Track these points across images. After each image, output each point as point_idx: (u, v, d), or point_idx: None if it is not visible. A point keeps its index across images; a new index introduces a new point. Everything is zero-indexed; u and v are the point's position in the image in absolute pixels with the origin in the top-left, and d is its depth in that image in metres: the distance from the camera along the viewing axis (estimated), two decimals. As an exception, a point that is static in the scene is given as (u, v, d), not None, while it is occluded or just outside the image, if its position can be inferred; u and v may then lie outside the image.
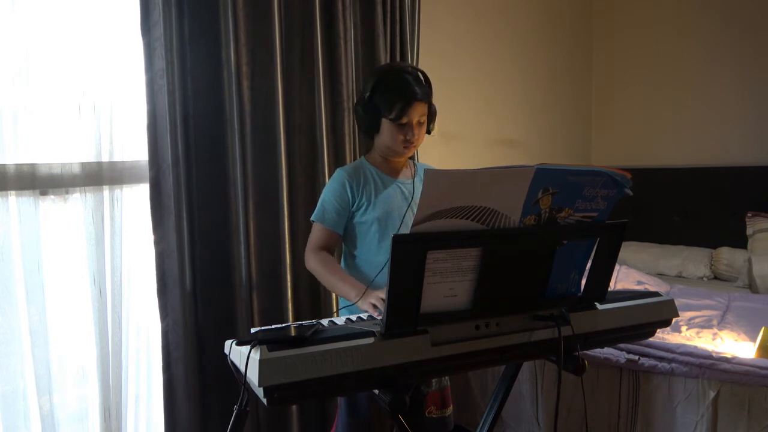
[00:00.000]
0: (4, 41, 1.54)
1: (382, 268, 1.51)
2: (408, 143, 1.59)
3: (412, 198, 1.66)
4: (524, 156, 3.50)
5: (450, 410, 1.75)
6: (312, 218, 1.66)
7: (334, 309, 2.08)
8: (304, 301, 2.10)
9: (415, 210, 1.61)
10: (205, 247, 1.88)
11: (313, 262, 1.62)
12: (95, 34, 1.68)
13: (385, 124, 1.59)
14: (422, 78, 1.63)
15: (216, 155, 1.90)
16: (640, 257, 3.47)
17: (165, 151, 1.76)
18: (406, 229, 1.62)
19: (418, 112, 1.57)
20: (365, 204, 1.62)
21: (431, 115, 1.65)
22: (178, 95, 1.78)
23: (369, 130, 1.64)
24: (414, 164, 1.77)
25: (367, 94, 1.59)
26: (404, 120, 1.56)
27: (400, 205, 1.65)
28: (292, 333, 1.03)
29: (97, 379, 1.72)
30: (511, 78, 3.41)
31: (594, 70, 4.11)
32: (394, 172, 1.70)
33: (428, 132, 1.68)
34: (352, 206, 1.63)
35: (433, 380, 1.69)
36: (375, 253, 1.63)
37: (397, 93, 1.56)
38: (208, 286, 1.90)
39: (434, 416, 1.70)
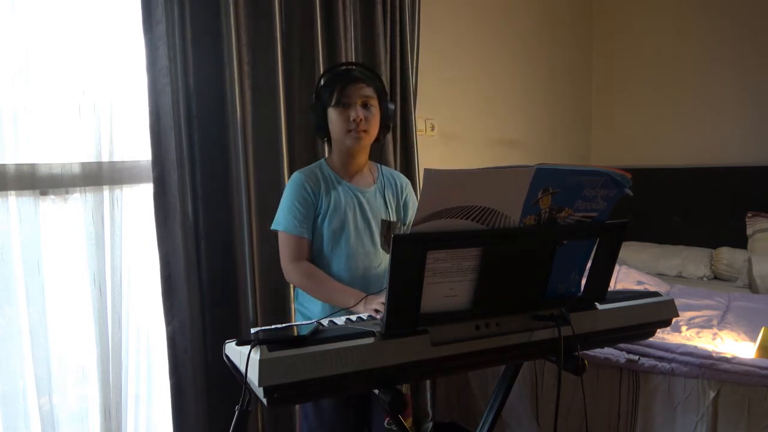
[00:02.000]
0: (4, 41, 1.54)
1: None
2: (354, 125, 1.52)
3: (386, 205, 1.61)
4: (524, 156, 3.50)
5: (409, 422, 1.69)
6: (274, 227, 1.59)
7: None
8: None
9: (373, 222, 1.60)
10: (209, 247, 1.88)
11: (295, 276, 1.55)
12: (95, 33, 1.68)
13: (332, 115, 1.55)
14: (369, 71, 1.60)
15: (219, 154, 1.90)
16: (640, 257, 3.47)
17: (169, 150, 1.76)
18: (360, 241, 1.58)
19: (358, 93, 1.53)
20: (323, 212, 1.57)
21: (386, 111, 1.60)
22: (182, 94, 1.77)
23: (320, 129, 1.60)
24: (378, 168, 1.70)
25: (314, 94, 1.59)
26: (344, 100, 1.52)
27: (356, 216, 1.59)
28: (292, 333, 1.03)
29: (97, 379, 1.72)
30: (511, 78, 3.42)
31: (594, 70, 4.11)
32: (353, 178, 1.63)
33: (387, 127, 1.63)
34: (316, 209, 1.57)
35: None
36: (327, 261, 1.58)
37: (335, 78, 1.55)
38: (214, 286, 1.89)
39: (394, 429, 1.58)
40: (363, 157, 1.64)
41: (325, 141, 1.67)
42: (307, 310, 1.62)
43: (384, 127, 1.62)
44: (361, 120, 1.53)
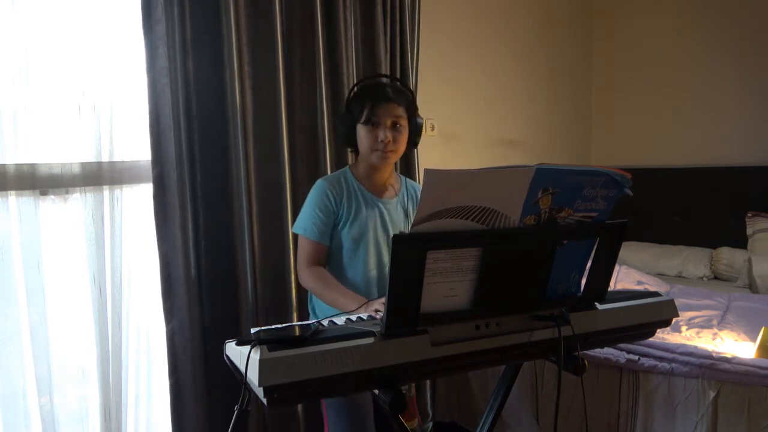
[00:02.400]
0: (4, 41, 1.54)
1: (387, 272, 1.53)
2: (381, 145, 1.54)
3: (407, 217, 1.63)
4: (524, 156, 3.50)
5: (414, 423, 1.69)
6: (295, 230, 1.63)
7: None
8: (306, 301, 2.09)
9: (392, 233, 1.61)
10: (209, 248, 1.88)
11: (307, 279, 1.59)
12: (95, 33, 1.68)
13: (360, 131, 1.57)
14: (402, 87, 1.61)
15: (219, 155, 1.89)
16: (640, 257, 3.47)
17: (168, 150, 1.76)
18: (378, 250, 1.62)
19: (389, 113, 1.54)
20: (344, 219, 1.60)
21: (415, 127, 1.62)
22: (181, 94, 1.77)
23: (347, 141, 1.62)
24: (402, 180, 1.74)
25: (344, 105, 1.60)
26: (374, 120, 1.53)
27: (376, 226, 1.62)
28: (292, 333, 1.03)
29: (97, 379, 1.72)
30: (512, 78, 3.42)
31: (594, 70, 4.11)
32: (377, 188, 1.66)
33: (414, 144, 1.64)
34: (336, 217, 1.60)
35: None
36: (344, 269, 1.62)
37: (368, 95, 1.56)
38: (214, 287, 1.89)
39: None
40: (388, 170, 1.67)
41: (351, 150, 1.68)
42: (320, 312, 1.64)
43: (411, 143, 1.64)
44: (389, 141, 1.54)
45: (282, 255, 2.01)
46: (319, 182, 1.63)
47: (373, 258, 1.62)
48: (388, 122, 1.54)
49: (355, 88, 1.62)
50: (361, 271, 1.61)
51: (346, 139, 1.63)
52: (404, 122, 1.57)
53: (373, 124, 1.54)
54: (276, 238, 2.00)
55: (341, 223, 1.60)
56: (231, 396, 1.86)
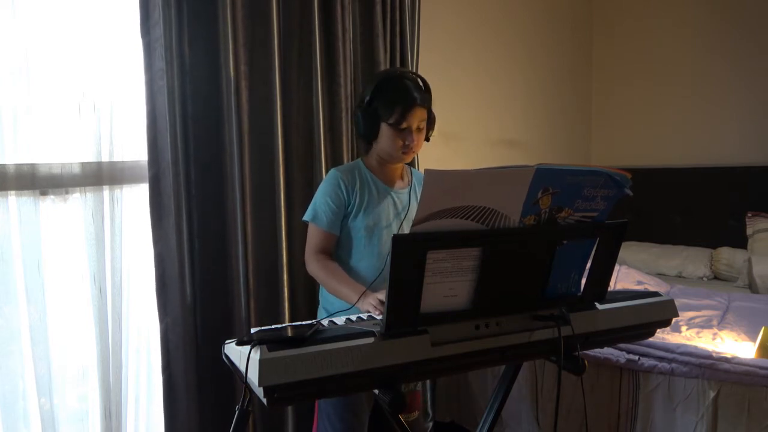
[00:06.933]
0: (4, 41, 1.54)
1: (381, 271, 1.54)
2: (407, 149, 1.57)
3: (407, 211, 1.65)
4: (524, 156, 3.50)
5: (414, 416, 1.69)
6: (305, 218, 1.64)
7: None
8: (301, 301, 2.10)
9: (405, 223, 1.63)
10: (203, 247, 1.88)
11: (313, 267, 1.61)
12: (95, 34, 1.68)
13: (385, 129, 1.58)
14: (422, 84, 1.62)
15: (214, 155, 1.90)
16: (640, 257, 3.47)
17: (164, 151, 1.76)
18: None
19: (417, 118, 1.56)
20: (356, 208, 1.61)
21: (430, 122, 1.64)
22: (178, 95, 1.77)
23: (368, 136, 1.62)
24: (410, 171, 1.77)
25: (367, 98, 1.59)
26: (404, 125, 1.55)
27: (389, 215, 1.64)
28: (292, 333, 1.03)
29: (97, 379, 1.72)
30: (512, 78, 3.42)
31: (594, 70, 4.11)
32: (389, 180, 1.69)
33: (427, 139, 1.67)
34: (347, 207, 1.62)
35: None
36: (358, 258, 1.63)
37: (397, 98, 1.55)
38: (207, 286, 1.90)
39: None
40: (401, 164, 1.70)
41: (362, 139, 1.69)
42: (329, 306, 1.64)
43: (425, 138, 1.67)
44: (414, 145, 1.58)
45: (275, 254, 2.01)
46: (331, 172, 1.66)
47: (387, 247, 1.63)
48: (415, 126, 1.57)
49: (381, 84, 1.59)
50: (375, 261, 1.61)
51: (366, 135, 1.63)
52: (425, 123, 1.61)
53: (401, 128, 1.56)
54: (269, 239, 2.00)
55: (353, 212, 1.62)
56: (222, 391, 1.88)
